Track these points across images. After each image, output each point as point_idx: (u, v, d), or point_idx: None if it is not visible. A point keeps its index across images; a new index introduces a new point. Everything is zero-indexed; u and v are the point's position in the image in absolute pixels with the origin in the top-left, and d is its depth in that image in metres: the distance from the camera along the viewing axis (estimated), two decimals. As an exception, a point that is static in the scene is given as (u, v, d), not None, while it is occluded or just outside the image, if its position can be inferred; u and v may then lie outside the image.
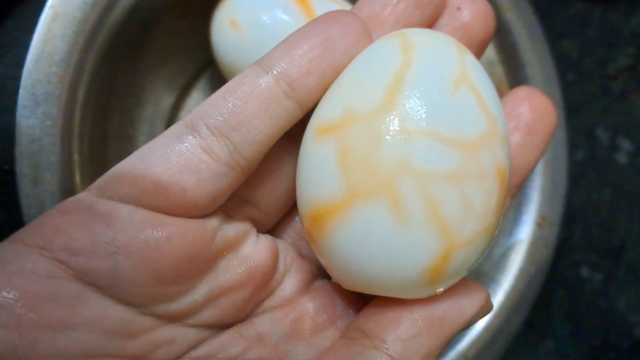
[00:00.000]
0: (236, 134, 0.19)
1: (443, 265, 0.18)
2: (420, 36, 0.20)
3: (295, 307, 0.22)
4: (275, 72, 0.19)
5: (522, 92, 0.24)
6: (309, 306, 0.22)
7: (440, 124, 0.18)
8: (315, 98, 0.20)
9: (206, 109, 0.19)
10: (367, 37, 0.21)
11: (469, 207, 0.18)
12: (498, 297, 0.36)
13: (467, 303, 0.20)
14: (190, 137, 0.19)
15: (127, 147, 0.35)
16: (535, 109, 0.24)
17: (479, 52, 0.24)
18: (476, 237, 0.19)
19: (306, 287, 0.23)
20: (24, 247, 0.18)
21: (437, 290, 0.19)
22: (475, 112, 0.19)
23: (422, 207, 0.18)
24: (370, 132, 0.18)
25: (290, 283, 0.22)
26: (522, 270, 0.36)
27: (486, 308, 0.21)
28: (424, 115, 0.18)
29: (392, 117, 0.18)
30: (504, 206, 0.20)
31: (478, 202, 0.18)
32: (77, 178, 0.30)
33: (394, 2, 0.22)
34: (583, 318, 0.47)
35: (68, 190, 0.29)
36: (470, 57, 0.20)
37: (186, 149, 0.19)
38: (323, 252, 0.20)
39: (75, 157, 0.30)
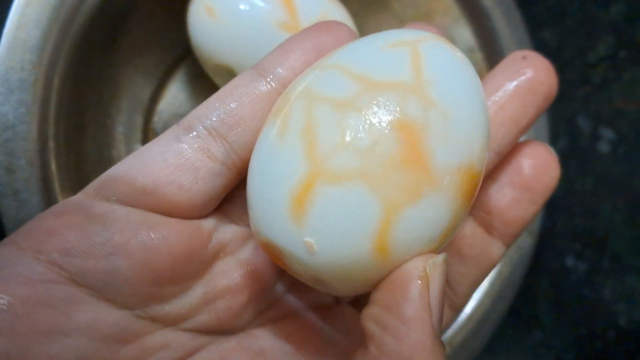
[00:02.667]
0: (232, 135, 0.19)
1: (305, 193, 0.17)
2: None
3: (301, 324, 0.22)
4: (270, 75, 0.20)
5: (523, 146, 0.24)
6: (316, 325, 0.22)
7: (355, 63, 0.18)
8: None
9: (203, 111, 0.20)
10: None
11: (343, 135, 0.17)
12: (483, 284, 0.36)
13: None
14: (188, 137, 0.19)
15: (104, 136, 0.35)
16: (536, 165, 0.24)
17: (543, 107, 0.24)
18: (351, 177, 0.17)
19: (313, 301, 0.22)
20: (18, 250, 0.18)
21: (306, 240, 0.17)
22: (400, 65, 0.18)
23: (300, 126, 0.17)
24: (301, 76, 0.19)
25: (294, 296, 0.22)
26: (506, 257, 0.36)
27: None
28: (343, 56, 0.19)
29: (319, 62, 0.19)
30: (418, 178, 0.17)
31: (361, 139, 0.17)
32: (53, 166, 0.29)
33: None
34: (568, 308, 0.47)
35: (43, 178, 0.29)
36: (437, 42, 0.19)
37: (184, 148, 0.19)
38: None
39: (51, 144, 0.29)
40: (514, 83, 0.24)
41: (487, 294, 0.36)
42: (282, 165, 0.17)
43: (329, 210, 0.17)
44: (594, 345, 0.46)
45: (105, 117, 0.35)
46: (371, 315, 0.18)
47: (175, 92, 0.38)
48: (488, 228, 0.24)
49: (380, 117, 0.17)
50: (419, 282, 0.17)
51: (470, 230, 0.24)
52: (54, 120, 0.30)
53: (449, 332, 0.34)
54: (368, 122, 0.17)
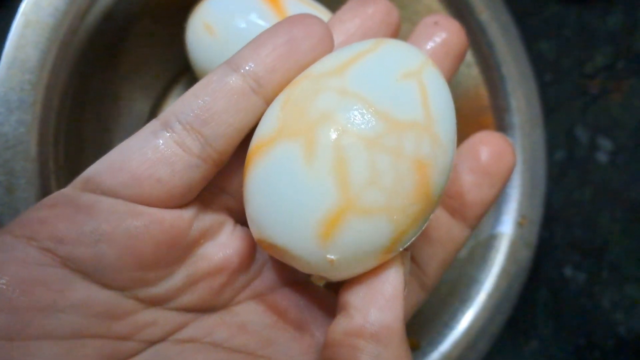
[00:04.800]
0: (207, 128, 0.20)
1: (335, 222, 0.19)
2: (396, 40, 0.22)
3: (278, 299, 0.23)
4: (242, 70, 0.20)
5: (481, 135, 0.26)
6: (292, 299, 0.23)
7: (374, 95, 0.19)
8: (280, 93, 0.21)
9: (178, 106, 0.20)
10: (329, 38, 0.22)
11: (374, 176, 0.19)
12: (480, 297, 0.36)
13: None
14: (164, 132, 0.20)
15: (103, 153, 0.35)
16: (493, 152, 0.26)
17: (456, 66, 0.26)
18: (376, 212, 0.19)
19: (288, 278, 0.24)
20: (13, 238, 0.19)
21: (329, 257, 0.19)
22: (413, 103, 0.20)
23: (331, 155, 0.19)
24: (313, 86, 0.20)
25: (270, 274, 0.23)
26: (504, 270, 0.36)
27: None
28: (363, 85, 0.20)
29: (335, 78, 0.20)
30: (423, 208, 0.20)
31: (386, 177, 0.19)
32: (53, 185, 0.30)
33: (369, 13, 0.24)
34: (567, 317, 0.47)
35: (43, 197, 0.29)
36: (432, 69, 0.21)
37: (161, 143, 0.20)
38: (245, 191, 0.21)
39: (51, 164, 0.30)
40: (429, 46, 0.25)
41: (484, 308, 0.36)
42: (314, 192, 0.19)
43: (352, 236, 0.19)
44: (593, 354, 0.46)
45: (104, 134, 0.35)
46: (356, 291, 0.21)
47: (174, 108, 0.38)
48: (451, 211, 0.26)
49: (403, 157, 0.19)
50: (397, 268, 0.21)
51: (435, 213, 0.26)
52: (54, 139, 0.30)
53: (446, 346, 0.35)
54: (393, 162, 0.19)
